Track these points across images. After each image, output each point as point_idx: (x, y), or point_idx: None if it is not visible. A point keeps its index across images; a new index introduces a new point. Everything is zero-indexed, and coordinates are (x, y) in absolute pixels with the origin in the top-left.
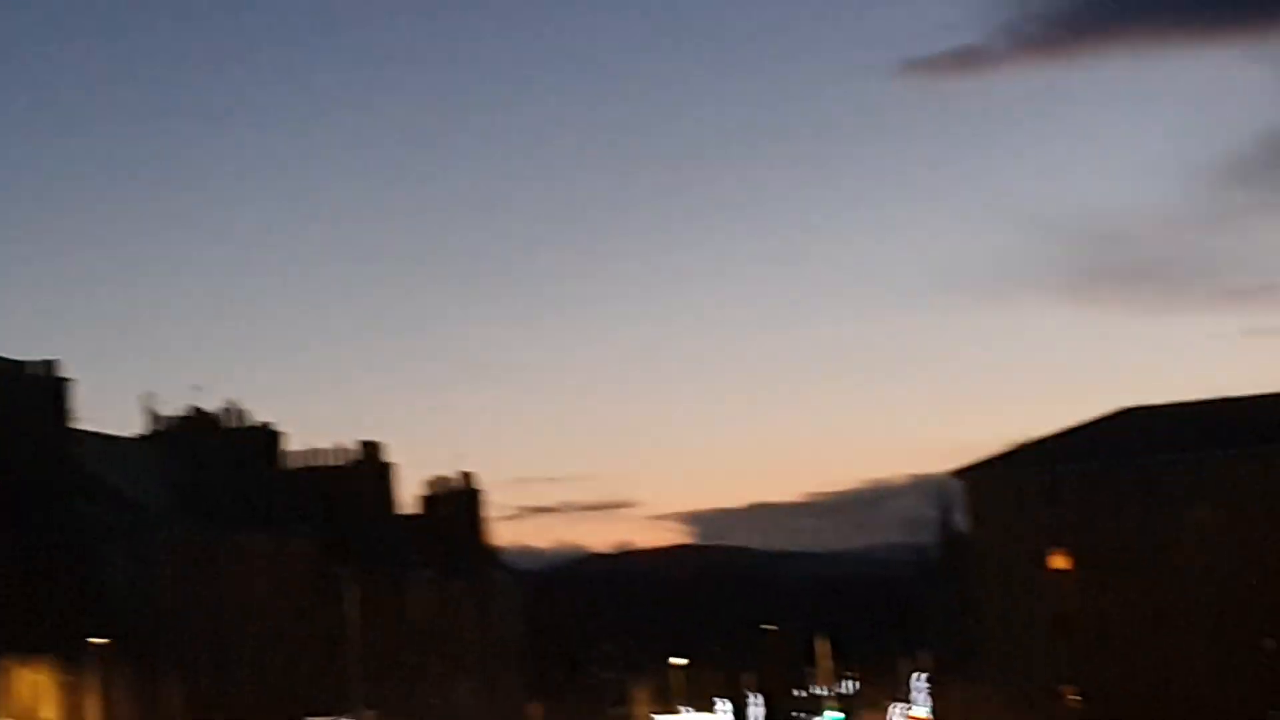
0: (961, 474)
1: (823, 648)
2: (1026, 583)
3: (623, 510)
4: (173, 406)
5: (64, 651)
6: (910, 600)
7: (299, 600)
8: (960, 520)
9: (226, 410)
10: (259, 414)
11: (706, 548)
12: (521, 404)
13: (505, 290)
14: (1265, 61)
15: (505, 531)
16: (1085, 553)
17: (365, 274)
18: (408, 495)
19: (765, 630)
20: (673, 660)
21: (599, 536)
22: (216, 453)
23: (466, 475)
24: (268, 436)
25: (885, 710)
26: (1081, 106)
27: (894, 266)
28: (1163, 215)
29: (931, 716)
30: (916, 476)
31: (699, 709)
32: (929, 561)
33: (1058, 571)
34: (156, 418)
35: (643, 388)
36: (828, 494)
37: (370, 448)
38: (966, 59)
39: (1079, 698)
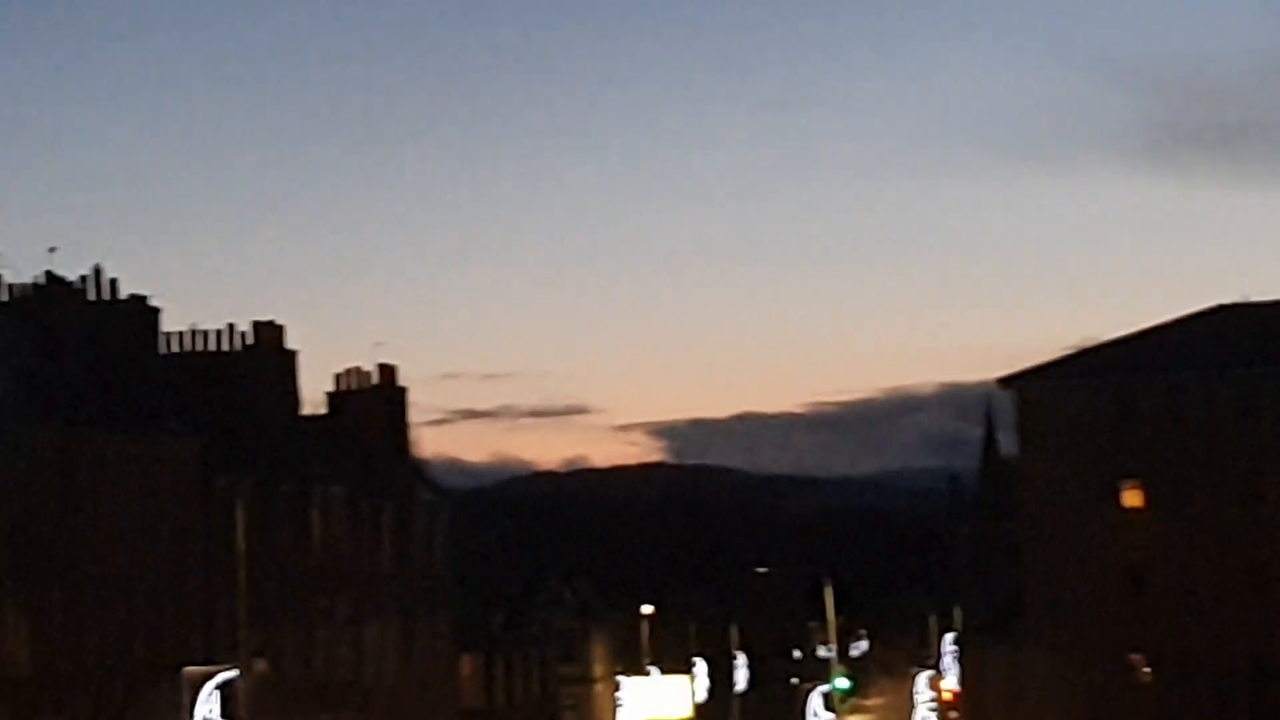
0: (1008, 383)
1: (828, 598)
2: (1089, 523)
3: (577, 418)
4: (23, 273)
5: None
6: (938, 541)
7: (176, 519)
8: (1005, 442)
9: (90, 278)
10: (130, 285)
11: (681, 467)
12: (454, 286)
13: (434, 152)
14: None
15: (432, 440)
16: (1164, 487)
17: (267, 131)
18: (313, 391)
19: (754, 574)
20: (641, 609)
21: (547, 450)
22: (76, 331)
23: (386, 369)
24: (142, 312)
25: (906, 679)
26: None
27: (926, 119)
28: (1265, 64)
29: (960, 689)
30: (948, 385)
31: (670, 670)
32: (963, 493)
33: (1129, 510)
34: (2, 285)
35: (604, 270)
36: (834, 404)
37: (267, 330)
38: None
39: (1150, 669)
